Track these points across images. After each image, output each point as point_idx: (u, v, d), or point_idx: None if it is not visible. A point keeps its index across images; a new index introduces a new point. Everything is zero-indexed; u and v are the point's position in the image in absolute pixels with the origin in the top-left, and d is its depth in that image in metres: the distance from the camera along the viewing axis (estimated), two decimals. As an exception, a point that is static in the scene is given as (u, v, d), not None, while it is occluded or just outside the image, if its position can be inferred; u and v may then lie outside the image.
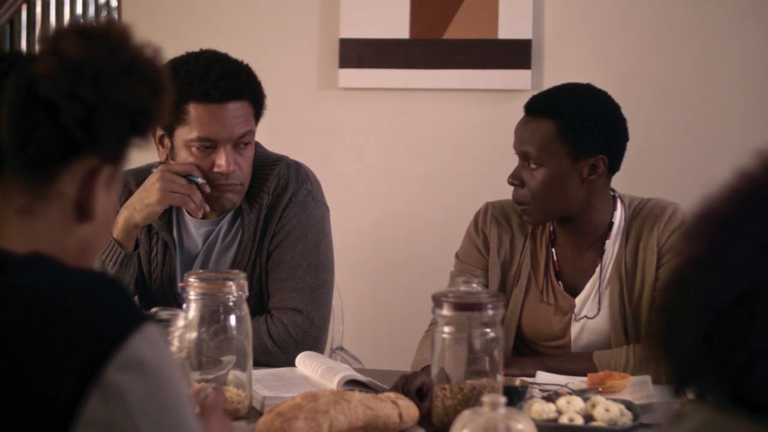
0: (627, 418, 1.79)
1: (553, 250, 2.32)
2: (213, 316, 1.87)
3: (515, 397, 1.87)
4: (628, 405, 1.83)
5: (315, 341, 2.31)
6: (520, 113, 2.29)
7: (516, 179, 2.26)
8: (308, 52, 3.61)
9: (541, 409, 1.80)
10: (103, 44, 1.12)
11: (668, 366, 0.92)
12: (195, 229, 2.38)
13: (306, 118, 3.62)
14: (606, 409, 1.79)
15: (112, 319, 1.04)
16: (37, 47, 1.14)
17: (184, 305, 1.89)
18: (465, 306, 1.76)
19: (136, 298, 2.42)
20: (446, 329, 1.78)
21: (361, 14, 3.52)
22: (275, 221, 2.35)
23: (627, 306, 2.25)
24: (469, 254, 2.38)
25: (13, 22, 4.66)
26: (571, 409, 1.80)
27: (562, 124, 2.20)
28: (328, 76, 3.59)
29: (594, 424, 1.78)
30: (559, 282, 2.31)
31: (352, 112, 3.59)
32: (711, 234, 0.89)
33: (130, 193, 2.34)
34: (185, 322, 1.62)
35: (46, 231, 1.13)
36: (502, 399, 1.46)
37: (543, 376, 2.12)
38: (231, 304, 1.87)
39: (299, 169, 2.41)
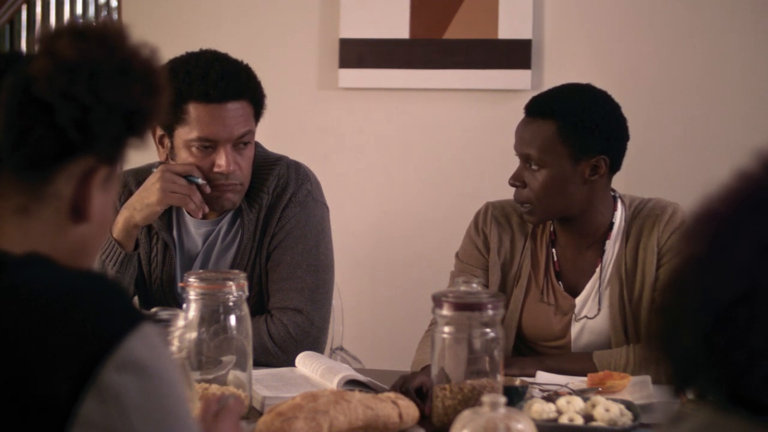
0: (627, 418, 1.79)
1: (554, 250, 2.32)
2: (213, 316, 1.87)
3: (515, 397, 1.87)
4: (628, 405, 1.83)
5: (315, 341, 2.31)
6: (520, 113, 2.29)
7: (517, 180, 2.25)
8: (308, 52, 3.61)
9: (541, 409, 1.80)
10: (99, 44, 1.11)
11: (668, 366, 0.92)
12: (195, 229, 2.38)
13: (306, 118, 3.62)
14: (606, 409, 1.79)
15: (109, 319, 1.04)
16: (35, 47, 1.14)
17: (184, 305, 1.89)
18: (465, 306, 1.76)
19: (136, 298, 2.42)
20: (446, 329, 1.78)
21: (361, 14, 3.52)
22: (275, 221, 2.35)
23: (627, 306, 2.25)
24: (469, 254, 2.38)
25: (13, 22, 4.66)
26: (571, 409, 1.80)
27: (562, 125, 2.20)
28: (328, 76, 3.59)
29: (594, 424, 1.78)
30: (560, 282, 2.31)
31: (352, 112, 3.59)
32: (710, 234, 0.89)
33: (130, 193, 2.34)
34: (185, 322, 1.62)
35: (42, 231, 1.13)
36: (502, 399, 1.46)
37: (543, 376, 2.12)
38: (231, 304, 1.87)
39: (299, 169, 2.41)
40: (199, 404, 1.47)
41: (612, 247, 2.29)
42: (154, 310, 1.63)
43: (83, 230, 1.16)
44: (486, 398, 1.46)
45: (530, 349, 2.33)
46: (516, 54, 3.42)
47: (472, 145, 3.50)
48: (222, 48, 2.33)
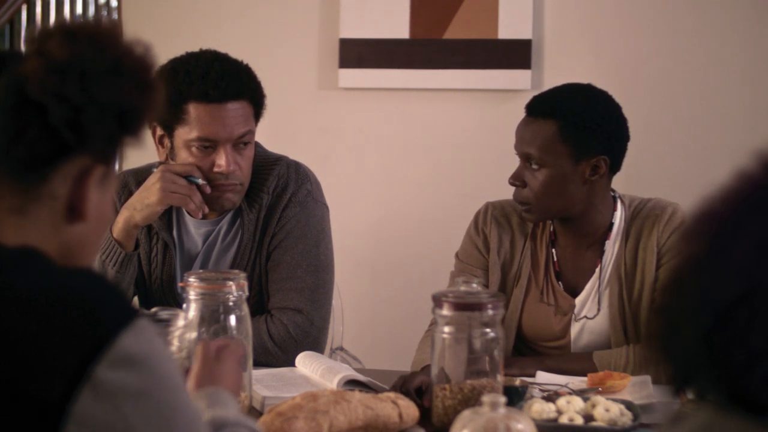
0: (627, 418, 1.79)
1: (554, 250, 2.32)
2: (213, 316, 1.87)
3: (515, 397, 1.87)
4: (628, 405, 1.83)
5: (315, 341, 2.31)
6: (520, 113, 2.29)
7: (517, 180, 2.25)
8: (308, 52, 3.61)
9: (541, 409, 1.80)
10: (89, 44, 1.11)
11: (668, 366, 0.92)
12: (195, 229, 2.38)
13: (306, 118, 3.62)
14: (606, 409, 1.79)
15: (103, 316, 1.04)
16: (26, 47, 1.14)
17: (184, 305, 1.89)
18: (465, 306, 1.76)
19: (135, 298, 2.42)
20: (446, 329, 1.78)
21: (361, 14, 3.52)
22: (275, 221, 2.35)
23: (627, 306, 2.25)
24: (469, 254, 2.38)
25: (13, 22, 4.66)
26: (571, 409, 1.80)
27: (563, 125, 2.20)
28: (328, 76, 3.59)
29: (594, 424, 1.78)
30: (559, 282, 2.31)
31: (352, 112, 3.59)
32: (710, 234, 0.89)
33: (130, 194, 2.34)
34: (185, 322, 1.62)
35: (39, 230, 1.13)
36: (502, 399, 1.46)
37: (543, 376, 2.12)
38: (231, 304, 1.87)
39: (299, 169, 2.41)
40: (199, 348, 1.50)
41: (612, 247, 2.29)
42: (154, 310, 1.64)
43: (80, 229, 1.16)
44: (486, 398, 1.46)
45: (530, 349, 2.33)
46: (516, 54, 3.42)
47: (472, 145, 3.50)
48: (222, 48, 2.33)
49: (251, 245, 2.35)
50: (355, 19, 3.53)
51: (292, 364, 2.19)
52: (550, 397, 1.90)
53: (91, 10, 4.78)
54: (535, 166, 2.22)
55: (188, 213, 2.37)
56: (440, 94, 3.52)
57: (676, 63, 3.35)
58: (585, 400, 1.84)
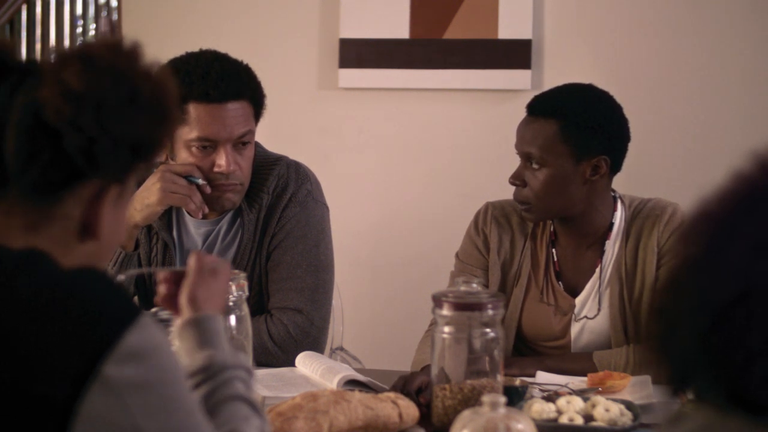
0: (627, 418, 1.79)
1: (554, 250, 2.32)
2: (213, 316, 1.87)
3: (515, 397, 1.87)
4: (628, 405, 1.83)
5: (315, 341, 2.31)
6: (521, 113, 2.29)
7: (518, 179, 2.25)
8: (308, 52, 3.61)
9: (541, 409, 1.80)
10: (107, 73, 1.11)
11: (666, 367, 0.92)
12: (195, 229, 2.38)
13: (306, 118, 3.62)
14: (606, 409, 1.79)
15: (108, 315, 1.05)
16: (42, 67, 1.13)
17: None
18: (465, 306, 1.76)
19: (136, 298, 2.42)
20: (446, 329, 1.78)
21: (361, 14, 3.52)
22: (275, 221, 2.35)
23: (627, 306, 2.25)
24: (469, 254, 2.38)
25: (13, 22, 4.65)
26: (571, 409, 1.80)
27: (564, 125, 2.20)
28: (328, 76, 3.59)
29: (594, 424, 1.78)
30: (559, 282, 2.31)
31: (352, 112, 3.59)
32: (707, 235, 0.89)
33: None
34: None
35: (50, 247, 1.13)
36: (502, 399, 1.46)
37: (543, 376, 2.12)
38: (231, 304, 1.87)
39: (299, 169, 2.41)
40: (192, 258, 1.46)
41: (612, 247, 2.29)
42: (154, 310, 1.64)
43: (91, 247, 1.17)
44: (486, 398, 1.46)
45: (530, 349, 2.33)
46: (516, 54, 3.41)
47: (472, 145, 3.50)
48: (222, 48, 2.33)
49: (251, 245, 2.35)
50: (355, 19, 3.53)
51: (292, 364, 2.19)
52: (550, 397, 1.90)
53: (91, 11, 4.78)
54: (535, 166, 2.22)
55: (188, 213, 2.37)
56: (440, 94, 3.52)
57: (676, 63, 3.35)
58: (585, 400, 1.84)
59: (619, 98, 2.29)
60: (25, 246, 1.12)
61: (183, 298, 1.40)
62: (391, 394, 1.84)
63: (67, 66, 1.11)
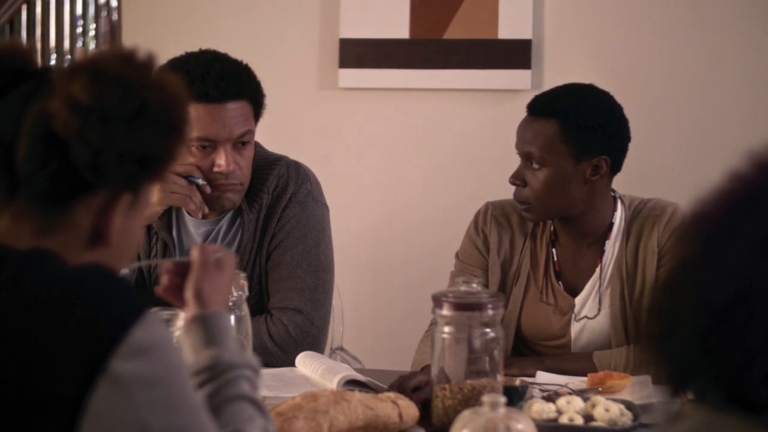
0: (627, 418, 1.79)
1: (554, 250, 2.32)
2: (213, 316, 1.87)
3: (515, 397, 1.87)
4: (628, 405, 1.83)
5: (315, 341, 2.31)
6: (520, 113, 2.29)
7: (518, 179, 2.26)
8: (308, 52, 3.61)
9: (541, 409, 1.80)
10: (114, 86, 1.11)
11: (665, 367, 0.92)
12: (194, 229, 2.38)
13: (306, 118, 3.62)
14: (606, 409, 1.79)
15: (114, 311, 1.06)
16: (53, 77, 1.13)
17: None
18: (465, 306, 1.76)
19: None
20: (446, 329, 1.78)
21: (361, 14, 3.52)
22: (275, 221, 2.35)
23: (628, 306, 2.25)
24: (469, 254, 2.38)
25: (13, 22, 4.66)
26: (571, 409, 1.80)
27: (565, 125, 2.20)
28: (328, 76, 3.59)
29: (594, 424, 1.78)
30: (559, 282, 2.31)
31: (352, 112, 3.59)
32: (704, 235, 0.89)
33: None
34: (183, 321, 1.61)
35: (58, 252, 1.13)
36: (502, 399, 1.46)
37: (543, 376, 2.12)
38: (231, 304, 1.87)
39: (299, 169, 2.41)
40: (195, 251, 1.46)
41: (612, 247, 2.29)
42: (154, 310, 1.63)
43: (102, 253, 1.17)
44: (486, 398, 1.46)
45: (529, 349, 2.33)
46: (516, 54, 3.41)
47: (472, 145, 3.50)
48: (222, 48, 2.33)
49: (251, 245, 2.35)
50: (355, 19, 3.53)
51: (292, 364, 2.19)
52: (550, 397, 1.90)
53: (91, 11, 4.78)
54: (535, 166, 2.22)
55: (188, 213, 2.37)
56: (440, 94, 3.52)
57: (676, 63, 3.35)
58: (585, 400, 1.84)
59: (619, 98, 2.29)
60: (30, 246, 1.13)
61: (188, 293, 1.40)
62: (391, 394, 1.84)
63: (75, 77, 1.11)
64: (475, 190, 3.25)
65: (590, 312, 2.27)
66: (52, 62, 4.58)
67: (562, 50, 3.42)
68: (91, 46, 4.82)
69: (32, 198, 1.13)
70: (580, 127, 2.20)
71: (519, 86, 3.41)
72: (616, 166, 2.27)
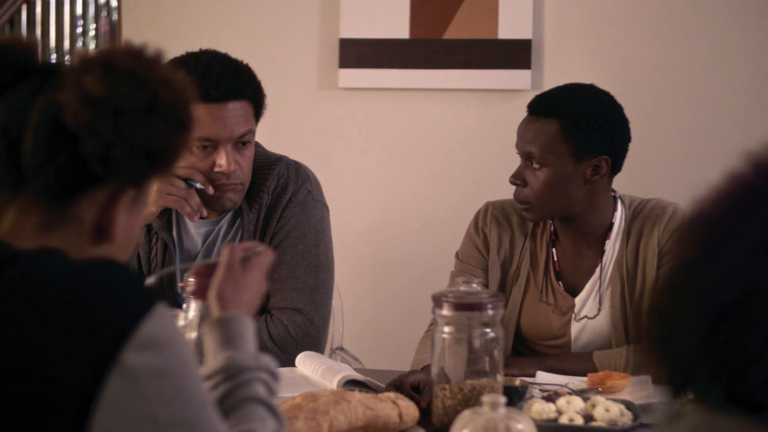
0: (627, 418, 1.79)
1: (554, 249, 2.32)
2: (213, 316, 1.87)
3: (515, 397, 1.87)
4: (628, 405, 1.83)
5: (315, 341, 2.31)
6: (521, 113, 2.29)
7: (518, 179, 2.26)
8: (308, 52, 3.61)
9: (541, 409, 1.80)
10: (126, 80, 1.12)
11: (666, 369, 0.92)
12: (195, 229, 2.38)
13: (306, 118, 3.62)
14: (606, 409, 1.79)
15: (125, 304, 1.07)
16: (63, 70, 1.14)
17: (184, 305, 1.89)
18: (465, 306, 1.76)
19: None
20: (446, 329, 1.78)
21: (361, 14, 3.52)
22: (275, 221, 2.35)
23: (628, 306, 2.25)
24: (469, 254, 2.38)
25: (13, 22, 4.66)
26: (571, 409, 1.80)
27: (565, 125, 2.20)
28: (328, 76, 3.59)
29: (594, 424, 1.78)
30: (559, 282, 2.31)
31: (352, 112, 3.59)
32: (704, 236, 0.89)
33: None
34: (185, 322, 1.62)
35: (63, 247, 1.14)
36: (502, 399, 1.46)
37: (543, 376, 2.12)
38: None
39: (299, 169, 2.41)
40: (225, 251, 1.44)
41: (612, 247, 2.29)
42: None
43: (105, 249, 1.18)
44: (486, 398, 1.46)
45: (529, 349, 2.33)
46: (516, 54, 3.41)
47: (472, 145, 3.50)
48: (222, 48, 2.33)
49: (251, 245, 2.35)
50: (355, 19, 3.53)
51: (292, 364, 2.19)
52: (550, 397, 1.90)
53: (91, 11, 4.78)
54: (536, 166, 2.22)
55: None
56: (440, 94, 3.52)
57: (677, 63, 3.35)
58: (585, 400, 1.84)
59: (619, 98, 2.29)
60: (37, 246, 1.13)
61: (211, 296, 1.40)
62: (392, 394, 1.84)
63: (88, 70, 1.12)
64: (475, 190, 3.25)
65: (590, 312, 2.27)
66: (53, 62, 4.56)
67: (562, 50, 3.42)
68: (91, 46, 4.83)
69: (38, 192, 1.13)
70: (580, 127, 2.20)
71: (519, 86, 3.41)
72: (616, 166, 2.27)
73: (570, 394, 1.93)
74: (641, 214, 2.29)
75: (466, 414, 1.48)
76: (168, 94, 1.14)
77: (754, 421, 0.85)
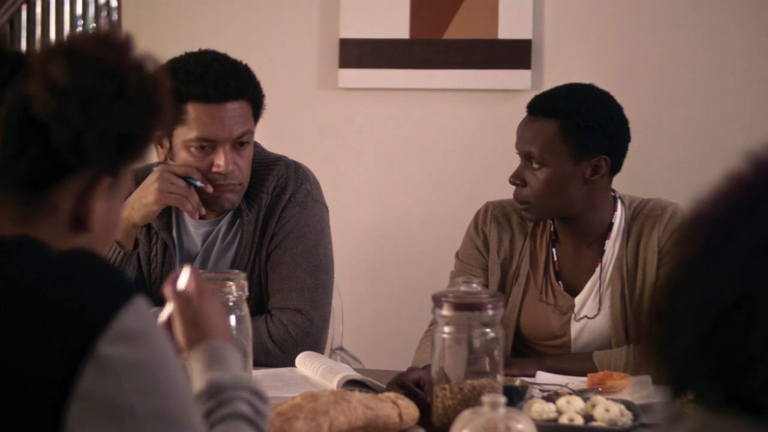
0: (627, 418, 1.79)
1: (554, 249, 2.32)
2: (213, 316, 1.87)
3: (515, 397, 1.87)
4: (628, 405, 1.83)
5: (315, 341, 2.31)
6: (520, 113, 2.29)
7: (518, 179, 2.26)
8: (308, 52, 3.61)
9: (541, 409, 1.80)
10: (92, 67, 1.10)
11: (665, 370, 0.92)
12: (194, 229, 2.38)
13: (306, 118, 3.62)
14: (606, 409, 1.79)
15: (102, 296, 1.05)
16: (30, 60, 1.13)
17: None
18: (465, 306, 1.76)
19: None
20: (446, 329, 1.78)
21: (361, 14, 3.52)
22: (274, 221, 2.35)
23: (628, 306, 2.25)
24: (469, 254, 2.38)
25: (13, 22, 4.66)
26: (571, 409, 1.80)
27: (565, 124, 2.20)
28: (328, 76, 3.59)
29: (594, 424, 1.78)
30: (559, 282, 2.31)
31: (352, 112, 3.59)
32: (704, 237, 0.89)
33: (129, 193, 2.34)
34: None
35: (41, 239, 1.13)
36: (502, 399, 1.46)
37: (543, 376, 2.12)
38: (231, 304, 1.86)
39: (298, 170, 2.41)
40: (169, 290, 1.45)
41: (612, 247, 2.29)
42: (154, 310, 1.63)
43: (85, 239, 1.17)
44: (486, 398, 1.46)
45: (529, 349, 2.33)
46: (516, 54, 3.42)
47: (472, 145, 3.50)
48: (222, 48, 2.33)
49: (251, 245, 2.35)
50: (355, 19, 3.53)
51: (292, 364, 2.19)
52: (550, 397, 1.90)
53: (91, 10, 4.78)
54: (535, 166, 2.22)
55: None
56: (440, 94, 3.52)
57: (676, 63, 3.35)
58: (585, 400, 1.84)
59: (619, 98, 2.29)
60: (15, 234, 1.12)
61: (184, 346, 1.41)
62: (392, 394, 1.83)
63: (52, 59, 1.10)
64: (475, 190, 3.25)
65: (590, 312, 2.27)
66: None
67: (562, 50, 3.42)
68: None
69: (11, 185, 1.12)
70: (579, 127, 2.20)
71: (519, 86, 3.41)
72: (616, 166, 2.27)
73: (570, 394, 1.93)
74: (641, 214, 2.29)
75: (466, 414, 1.48)
76: (137, 79, 1.12)
77: (755, 422, 0.85)
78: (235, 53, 2.32)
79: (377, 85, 3.54)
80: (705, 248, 0.88)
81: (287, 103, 3.55)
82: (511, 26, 3.42)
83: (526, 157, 2.24)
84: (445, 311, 1.77)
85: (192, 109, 2.23)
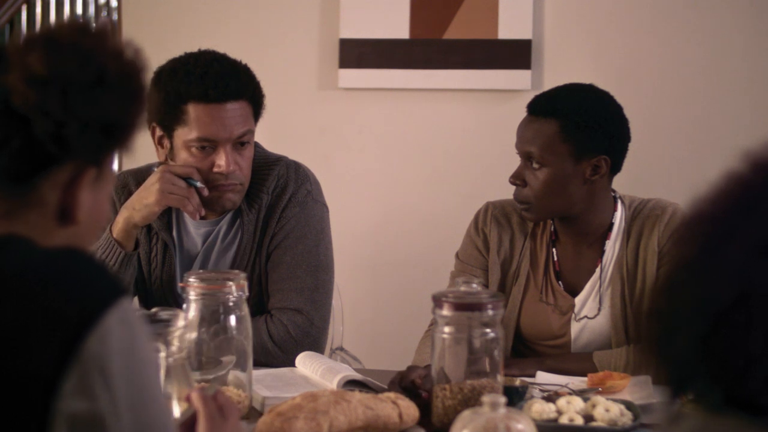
0: (627, 418, 1.79)
1: (554, 249, 2.32)
2: (213, 316, 1.87)
3: (515, 397, 1.87)
4: (628, 405, 1.83)
5: (315, 341, 2.31)
6: (520, 113, 2.29)
7: (518, 179, 2.26)
8: (308, 52, 3.61)
9: (541, 409, 1.80)
10: (72, 56, 1.09)
11: (665, 370, 0.92)
12: (195, 230, 2.38)
13: (306, 118, 3.62)
14: (606, 409, 1.79)
15: (88, 295, 1.05)
16: (8, 52, 1.12)
17: (184, 305, 1.89)
18: (465, 306, 1.76)
19: (136, 298, 2.42)
20: (446, 329, 1.78)
21: (361, 14, 3.52)
22: (274, 221, 2.35)
23: (628, 306, 2.25)
24: (469, 254, 2.38)
25: (13, 22, 4.66)
26: (571, 409, 1.80)
27: (565, 124, 2.20)
28: (328, 76, 3.59)
29: (594, 424, 1.78)
30: (559, 282, 2.31)
31: (352, 112, 3.59)
32: (703, 237, 0.89)
33: (130, 194, 2.34)
34: (185, 323, 1.62)
35: (28, 233, 1.12)
36: (502, 399, 1.46)
37: (543, 376, 2.12)
38: (231, 304, 1.87)
39: (298, 170, 2.41)
40: (196, 402, 1.43)
41: (612, 247, 2.29)
42: (154, 310, 1.64)
43: (73, 231, 1.16)
44: (486, 398, 1.46)
45: (529, 349, 2.33)
46: (516, 54, 3.42)
47: (472, 145, 3.50)
48: (222, 48, 2.33)
49: (251, 245, 2.35)
50: (355, 19, 3.53)
51: (292, 364, 2.19)
52: (550, 397, 1.90)
53: (91, 10, 4.78)
54: (535, 166, 2.22)
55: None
56: (440, 94, 3.52)
57: (677, 63, 3.35)
58: (585, 400, 1.84)
59: (619, 98, 2.29)
60: (2, 232, 1.12)
61: None
62: (391, 395, 1.83)
63: (30, 50, 1.09)
64: (475, 190, 3.25)
65: (590, 312, 2.27)
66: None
67: (562, 50, 3.42)
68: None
69: None
70: (579, 127, 2.20)
71: (519, 86, 3.41)
72: (616, 166, 2.27)
73: (570, 394, 1.93)
74: (641, 214, 2.29)
75: (466, 414, 1.48)
76: (117, 67, 1.11)
77: (754, 422, 0.85)
78: (235, 53, 2.32)
79: (377, 85, 3.54)
80: (704, 248, 0.88)
81: (287, 103, 3.55)
82: (511, 26, 3.42)
83: (526, 157, 2.24)
84: (445, 311, 1.77)
85: (192, 110, 2.23)
